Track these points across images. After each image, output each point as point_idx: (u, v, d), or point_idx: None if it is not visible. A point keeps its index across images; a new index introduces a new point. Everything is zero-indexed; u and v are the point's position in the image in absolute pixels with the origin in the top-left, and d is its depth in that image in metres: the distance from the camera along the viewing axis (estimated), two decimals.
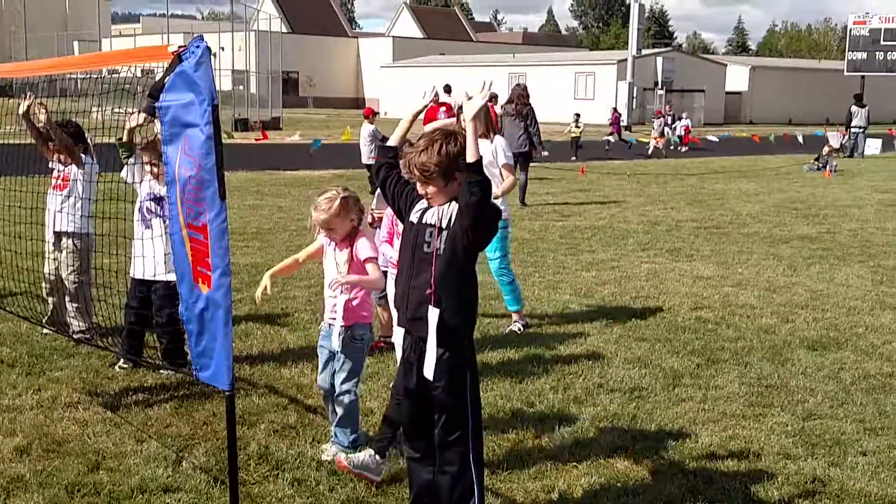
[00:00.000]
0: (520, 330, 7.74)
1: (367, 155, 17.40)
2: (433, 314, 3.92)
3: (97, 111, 7.13)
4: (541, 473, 4.93)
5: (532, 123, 15.62)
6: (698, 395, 6.21)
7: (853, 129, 30.61)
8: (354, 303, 5.00)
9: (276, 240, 12.13)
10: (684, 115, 37.30)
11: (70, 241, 7.09)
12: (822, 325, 8.06)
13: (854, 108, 30.48)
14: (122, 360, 6.53)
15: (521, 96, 15.55)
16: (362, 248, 4.93)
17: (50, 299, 7.34)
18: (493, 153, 7.59)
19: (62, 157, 7.10)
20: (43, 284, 7.36)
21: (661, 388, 6.34)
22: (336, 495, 4.62)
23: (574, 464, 5.05)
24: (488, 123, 7.66)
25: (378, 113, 18.73)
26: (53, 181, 7.18)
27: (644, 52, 54.79)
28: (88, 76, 8.01)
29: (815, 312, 8.54)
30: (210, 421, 5.59)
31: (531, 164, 16.92)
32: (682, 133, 32.94)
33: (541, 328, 7.88)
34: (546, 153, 18.30)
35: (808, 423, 5.74)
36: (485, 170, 6.22)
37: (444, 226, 3.95)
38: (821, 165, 24.41)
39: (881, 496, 4.71)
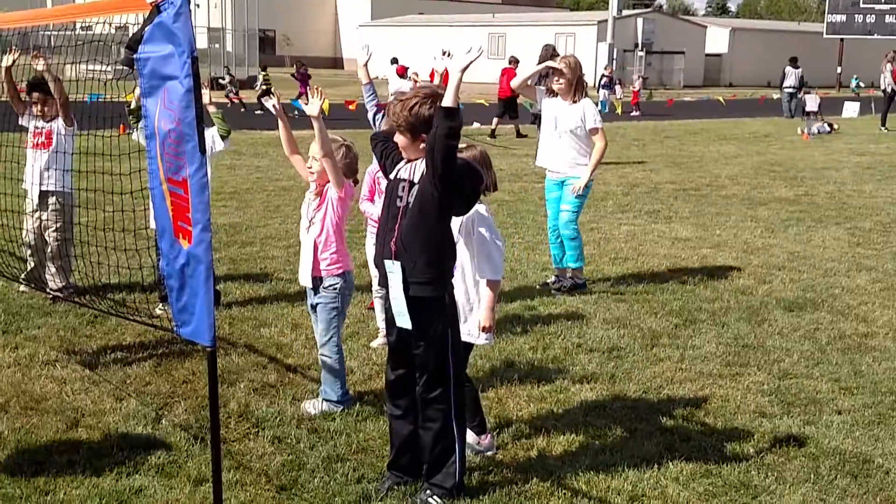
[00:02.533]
0: (566, 287, 7.76)
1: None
2: (393, 268, 3.95)
3: (71, 68, 7.02)
4: (519, 432, 4.97)
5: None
6: (676, 355, 6.26)
7: (786, 90, 30.66)
8: (322, 252, 4.99)
9: (254, 199, 12.05)
10: (636, 76, 37.27)
11: (55, 199, 7.02)
12: (799, 287, 8.13)
13: (787, 69, 30.55)
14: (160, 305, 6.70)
15: (550, 57, 15.67)
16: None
17: (31, 259, 7.26)
18: (581, 118, 7.58)
19: (45, 110, 7.00)
20: (25, 242, 7.26)
21: (639, 348, 6.39)
22: (317, 453, 4.63)
23: (553, 422, 5.09)
24: (578, 86, 7.63)
25: (407, 70, 19.45)
26: (34, 139, 7.06)
27: (624, 12, 54.52)
28: (64, 28, 7.88)
29: (792, 274, 8.61)
30: (189, 379, 5.58)
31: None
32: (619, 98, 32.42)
33: (520, 289, 7.90)
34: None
35: (783, 382, 5.81)
36: (567, 134, 6.47)
37: (415, 180, 3.98)
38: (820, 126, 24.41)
39: (855, 454, 4.78)
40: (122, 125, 12.38)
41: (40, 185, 7.03)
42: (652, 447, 4.80)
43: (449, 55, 23.43)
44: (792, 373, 5.97)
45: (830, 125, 24.95)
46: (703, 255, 9.33)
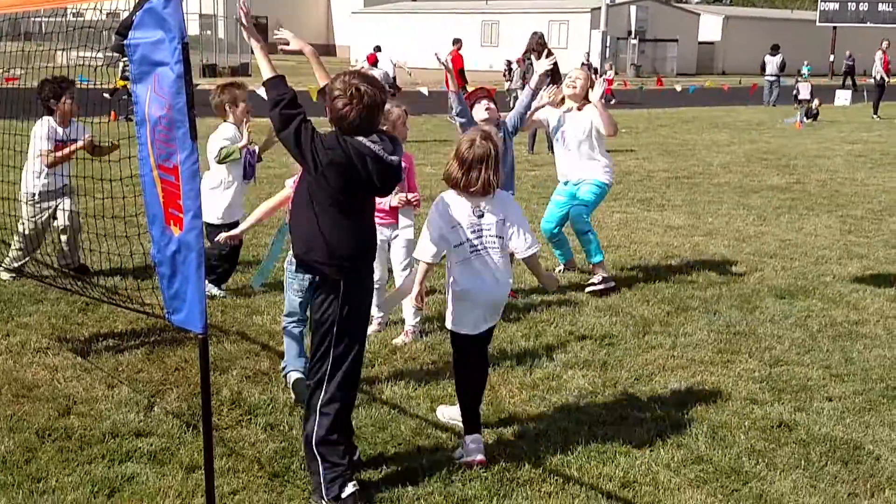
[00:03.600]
0: (598, 283, 7.45)
1: None
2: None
3: (62, 54, 6.98)
4: (512, 419, 4.98)
5: (556, 71, 15.82)
6: (668, 343, 6.28)
7: (767, 79, 30.70)
8: None
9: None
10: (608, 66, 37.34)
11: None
12: (791, 274, 8.15)
13: (767, 58, 30.58)
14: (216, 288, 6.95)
15: (539, 44, 15.74)
16: None
17: (26, 249, 7.24)
18: (590, 125, 7.53)
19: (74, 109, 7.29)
20: (28, 232, 7.23)
21: (631, 336, 6.40)
22: None
23: (545, 409, 5.10)
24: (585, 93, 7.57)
25: (378, 60, 19.46)
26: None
27: (618, 0, 54.40)
28: (54, 13, 7.84)
29: (784, 261, 8.63)
30: (182, 367, 5.57)
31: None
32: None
33: (513, 277, 7.88)
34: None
35: (774, 369, 5.83)
36: (579, 145, 7.51)
37: None
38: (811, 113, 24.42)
39: (846, 440, 4.80)
40: (112, 112, 12.29)
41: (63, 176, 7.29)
42: (643, 434, 4.82)
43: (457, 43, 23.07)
44: (783, 360, 5.99)
45: (815, 112, 24.83)
46: (696, 243, 9.35)
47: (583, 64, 32.20)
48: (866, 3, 48.12)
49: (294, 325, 5.22)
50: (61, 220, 7.24)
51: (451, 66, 7.18)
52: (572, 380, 5.54)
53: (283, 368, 5.28)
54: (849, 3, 48.36)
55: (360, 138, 3.90)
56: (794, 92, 28.01)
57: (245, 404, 5.05)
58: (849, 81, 26.87)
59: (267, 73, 3.97)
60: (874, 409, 5.24)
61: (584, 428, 4.89)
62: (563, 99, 7.69)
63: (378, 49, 24.98)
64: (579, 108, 7.57)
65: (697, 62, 61.75)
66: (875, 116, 25.64)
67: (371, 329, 6.22)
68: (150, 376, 5.43)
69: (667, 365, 5.86)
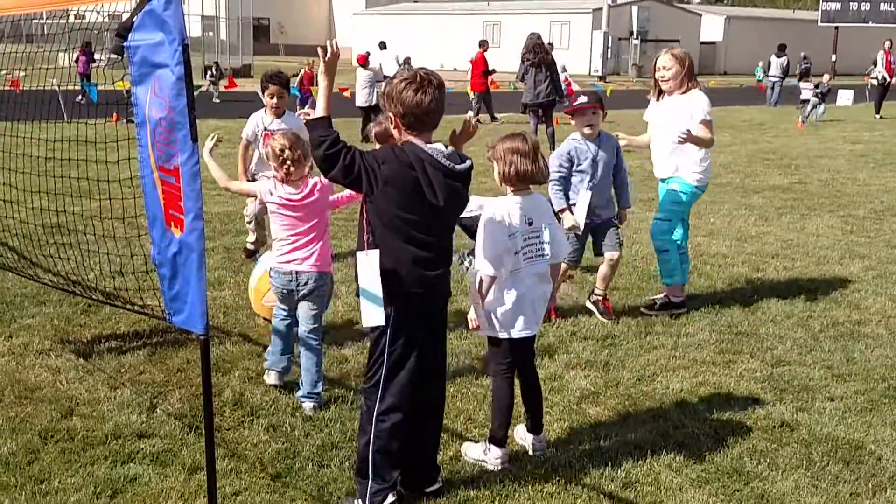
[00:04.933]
0: (658, 303, 6.94)
1: (363, 99, 18.43)
2: (370, 257, 3.79)
3: (64, 56, 7.00)
4: (513, 419, 4.97)
5: (555, 71, 15.90)
6: (669, 343, 6.28)
7: (770, 79, 30.72)
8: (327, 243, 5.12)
9: None
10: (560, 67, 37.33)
11: None
12: (792, 274, 8.15)
13: (772, 58, 30.62)
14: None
15: (538, 45, 15.82)
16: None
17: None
18: (690, 112, 6.69)
19: (280, 104, 7.66)
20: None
21: (633, 336, 6.40)
22: (311, 441, 4.64)
23: (547, 409, 5.09)
24: (686, 76, 6.78)
25: (368, 60, 19.32)
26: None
27: (620, 0, 54.43)
28: (54, 17, 7.85)
29: (786, 262, 8.63)
30: (184, 368, 5.58)
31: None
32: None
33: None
34: (566, 102, 18.45)
35: (776, 369, 5.82)
36: (665, 129, 6.58)
37: None
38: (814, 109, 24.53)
39: (847, 440, 4.80)
40: (114, 113, 12.31)
41: None
42: (645, 434, 4.82)
43: (382, 46, 23.22)
44: (785, 360, 5.99)
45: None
46: (698, 243, 9.34)
47: (564, 70, 32.21)
48: (868, 3, 48.07)
49: (283, 318, 5.25)
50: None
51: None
52: (574, 380, 5.54)
53: (266, 363, 5.33)
54: (851, 3, 48.30)
55: (420, 143, 3.73)
56: (798, 91, 28.01)
57: (247, 405, 5.06)
58: (806, 83, 26.93)
59: (318, 112, 3.74)
60: (876, 409, 5.23)
61: (586, 428, 4.89)
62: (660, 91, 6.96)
63: (383, 45, 24.87)
64: (682, 94, 6.81)
65: (699, 62, 61.64)
66: (877, 116, 25.61)
67: None
68: (152, 377, 5.43)
69: (668, 365, 5.86)
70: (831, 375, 5.72)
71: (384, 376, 3.91)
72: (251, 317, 6.62)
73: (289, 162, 4.95)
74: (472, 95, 22.53)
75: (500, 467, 4.42)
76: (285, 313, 5.25)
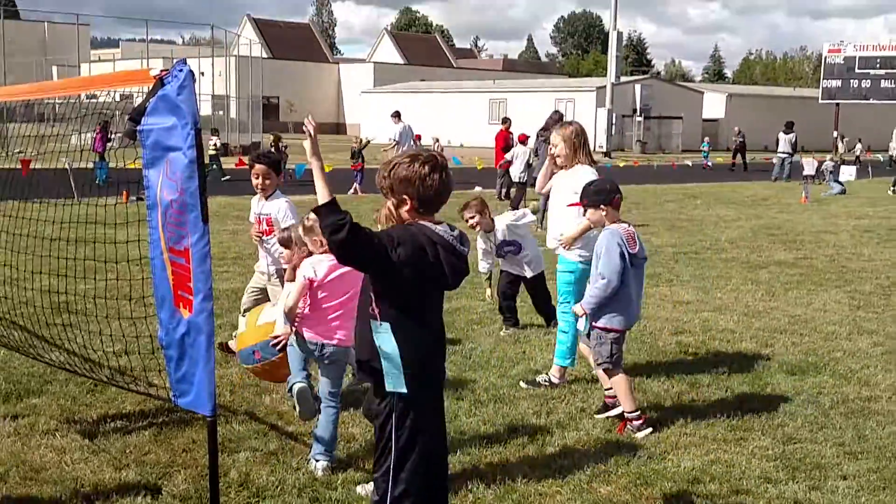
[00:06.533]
0: (545, 382, 6.96)
1: (517, 173, 19.84)
2: (381, 328, 3.77)
3: (76, 136, 7.11)
4: (524, 498, 4.91)
5: None
6: (680, 420, 6.22)
7: (779, 155, 31.17)
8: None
9: None
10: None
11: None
12: (801, 350, 8.11)
13: (781, 135, 31.11)
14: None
15: (556, 123, 16.16)
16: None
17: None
18: (573, 187, 6.67)
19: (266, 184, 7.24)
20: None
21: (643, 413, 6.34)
22: None
23: (557, 489, 5.04)
24: (575, 152, 6.89)
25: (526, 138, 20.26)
26: (257, 226, 7.26)
27: (623, 79, 55.26)
28: (66, 101, 7.99)
29: (794, 337, 8.59)
30: (190, 448, 5.53)
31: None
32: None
33: (524, 353, 7.87)
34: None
35: (788, 446, 5.76)
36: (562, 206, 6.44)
37: None
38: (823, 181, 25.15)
39: None
40: (124, 191, 12.44)
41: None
42: None
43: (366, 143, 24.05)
44: (796, 437, 5.93)
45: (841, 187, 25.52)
46: (705, 319, 9.33)
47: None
48: (868, 80, 48.70)
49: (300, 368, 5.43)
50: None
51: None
52: (585, 458, 5.48)
53: (288, 387, 5.40)
54: (851, 81, 48.93)
55: (430, 225, 3.74)
56: (799, 168, 28.34)
57: (253, 486, 5.00)
58: (739, 159, 27.46)
59: (323, 197, 3.63)
60: (889, 487, 5.15)
61: None
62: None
63: (397, 115, 25.13)
64: (571, 168, 6.96)
65: (702, 139, 62.44)
66: (893, 191, 25.82)
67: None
68: (157, 458, 5.39)
69: (680, 442, 5.80)
70: (843, 453, 5.65)
71: (394, 465, 3.83)
72: (258, 395, 6.59)
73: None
74: (499, 172, 22.82)
75: None
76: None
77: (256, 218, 7.19)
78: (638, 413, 6.06)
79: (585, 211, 6.24)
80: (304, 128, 3.73)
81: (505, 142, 23.11)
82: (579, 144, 6.95)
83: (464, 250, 3.81)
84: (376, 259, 3.60)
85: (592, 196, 6.14)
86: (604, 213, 6.09)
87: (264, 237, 7.12)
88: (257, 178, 7.05)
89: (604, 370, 6.18)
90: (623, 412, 6.09)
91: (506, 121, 24.48)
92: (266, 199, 7.15)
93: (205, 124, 37.75)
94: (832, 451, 5.67)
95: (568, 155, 6.94)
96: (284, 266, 6.13)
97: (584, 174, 6.76)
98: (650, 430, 5.99)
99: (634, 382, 7.03)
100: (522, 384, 6.91)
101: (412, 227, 3.74)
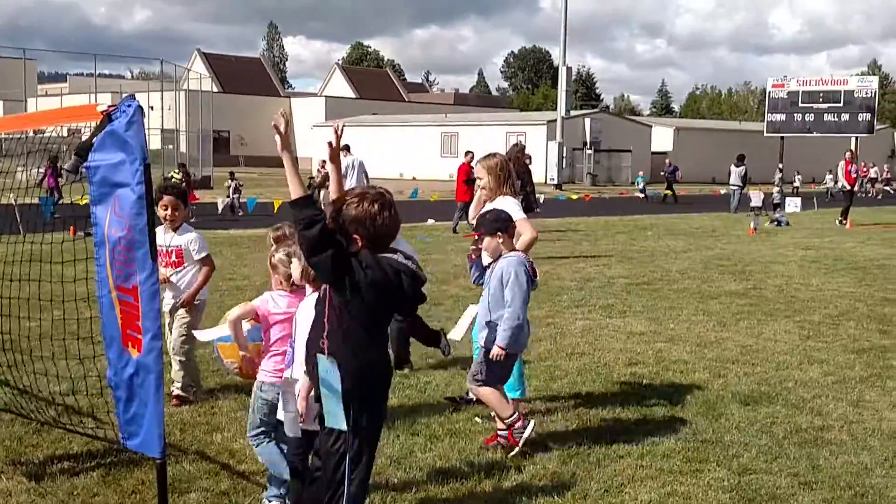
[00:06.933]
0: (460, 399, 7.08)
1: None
2: (328, 364, 3.76)
3: (22, 171, 6.98)
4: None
5: (529, 182, 16.36)
6: (636, 451, 6.21)
7: (731, 187, 31.91)
8: None
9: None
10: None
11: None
12: (753, 380, 8.18)
13: (732, 168, 31.88)
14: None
15: (518, 156, 16.40)
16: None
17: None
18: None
19: (175, 216, 7.27)
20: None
21: (598, 446, 6.33)
22: None
23: None
24: (499, 183, 6.96)
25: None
26: (162, 258, 7.14)
27: (573, 112, 55.97)
28: (11, 136, 7.84)
29: (746, 367, 8.67)
30: (139, 489, 5.38)
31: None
32: None
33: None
34: (539, 210, 18.96)
35: (743, 478, 5.78)
36: None
37: None
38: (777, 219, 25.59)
39: None
40: (72, 226, 12.22)
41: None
42: None
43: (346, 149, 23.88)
44: (751, 468, 5.95)
45: (783, 220, 25.93)
46: (658, 349, 9.38)
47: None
48: (812, 114, 49.84)
49: (262, 436, 5.10)
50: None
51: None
52: (541, 492, 5.44)
53: (265, 496, 5.15)
54: (795, 115, 50.03)
55: (389, 255, 3.82)
56: (746, 199, 28.87)
57: None
58: (755, 192, 28.33)
59: (297, 192, 3.70)
60: None
61: None
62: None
63: (346, 148, 24.98)
64: (491, 200, 6.98)
65: (652, 171, 63.35)
66: (840, 222, 26.24)
67: None
68: (105, 500, 5.23)
69: (636, 475, 5.79)
70: (798, 483, 5.68)
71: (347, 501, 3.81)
72: (209, 433, 6.45)
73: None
74: (459, 205, 22.48)
75: None
76: (270, 434, 5.11)
77: (165, 251, 7.11)
78: (516, 415, 6.11)
79: (481, 240, 6.24)
80: (273, 122, 3.78)
81: (467, 175, 23.10)
82: (504, 177, 7.03)
83: (424, 276, 3.92)
84: (344, 268, 3.62)
85: (490, 224, 6.19)
86: (500, 241, 6.14)
87: (171, 270, 7.12)
88: (165, 209, 7.05)
89: (478, 385, 6.19)
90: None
91: (468, 153, 24.47)
92: (175, 230, 7.16)
93: (154, 158, 37.40)
94: (787, 482, 5.70)
95: (493, 187, 7.01)
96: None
97: (508, 205, 6.80)
98: (534, 423, 6.09)
99: (590, 414, 7.03)
100: (478, 420, 6.86)
101: (379, 258, 3.78)
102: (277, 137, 3.81)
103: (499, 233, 6.11)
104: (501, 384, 6.31)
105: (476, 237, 6.31)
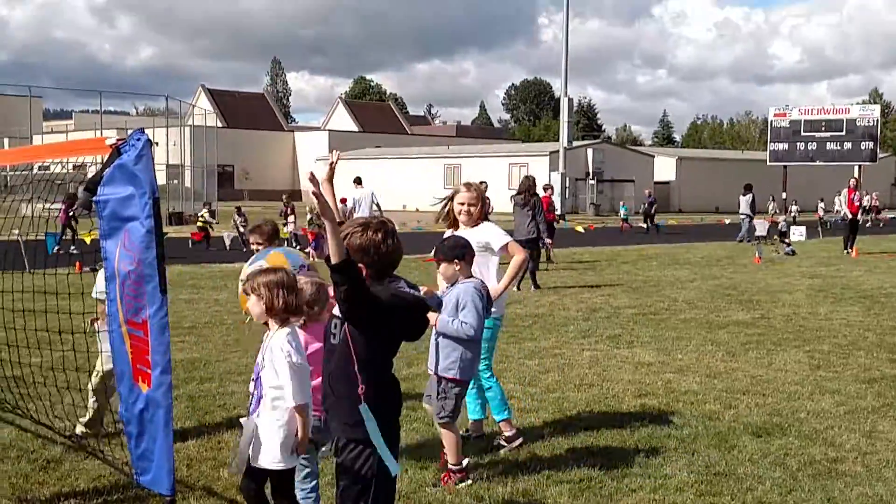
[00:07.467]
0: (504, 444, 6.90)
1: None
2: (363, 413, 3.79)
3: (27, 206, 6.98)
4: None
5: (539, 212, 16.71)
6: (648, 485, 6.13)
7: (740, 216, 31.90)
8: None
9: (212, 334, 11.86)
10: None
11: None
12: (765, 411, 8.09)
13: (740, 197, 31.91)
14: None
15: (529, 188, 16.85)
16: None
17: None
18: (484, 242, 6.86)
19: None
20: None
21: (610, 479, 6.25)
22: None
23: None
24: (481, 209, 7.05)
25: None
26: None
27: (575, 143, 56.16)
28: (18, 171, 7.88)
29: (757, 398, 8.59)
30: None
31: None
32: None
33: (487, 419, 7.75)
34: (549, 240, 19.11)
35: None
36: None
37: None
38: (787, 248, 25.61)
39: None
40: (77, 262, 12.20)
41: None
42: None
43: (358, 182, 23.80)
44: (766, 501, 5.86)
45: (790, 248, 25.90)
46: (668, 380, 9.30)
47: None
48: (815, 143, 49.96)
49: (310, 490, 5.06)
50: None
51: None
52: None
53: None
54: (798, 144, 50.17)
55: (400, 287, 3.88)
56: (751, 229, 28.83)
57: None
58: (760, 221, 28.40)
59: (338, 255, 3.58)
60: None
61: None
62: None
63: (358, 181, 24.92)
64: (474, 226, 7.02)
65: (655, 200, 63.44)
66: (847, 251, 26.16)
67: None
68: None
69: None
70: None
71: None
72: (216, 468, 6.38)
73: (316, 308, 4.74)
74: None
75: None
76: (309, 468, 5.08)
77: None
78: (461, 467, 6.11)
79: (439, 265, 6.19)
80: (311, 191, 3.68)
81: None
82: (484, 204, 7.18)
83: (429, 304, 4.03)
84: (367, 309, 3.68)
85: (448, 250, 6.14)
86: (457, 268, 6.10)
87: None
88: None
89: (443, 423, 6.12)
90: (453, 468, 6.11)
91: (482, 184, 24.56)
92: None
93: (160, 193, 37.49)
94: None
95: (477, 215, 7.05)
96: None
97: (490, 229, 6.96)
98: (470, 481, 6.07)
99: (600, 446, 6.96)
100: (503, 443, 6.87)
101: (385, 287, 3.83)
102: (316, 201, 3.69)
103: (456, 259, 6.07)
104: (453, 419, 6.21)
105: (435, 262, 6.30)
